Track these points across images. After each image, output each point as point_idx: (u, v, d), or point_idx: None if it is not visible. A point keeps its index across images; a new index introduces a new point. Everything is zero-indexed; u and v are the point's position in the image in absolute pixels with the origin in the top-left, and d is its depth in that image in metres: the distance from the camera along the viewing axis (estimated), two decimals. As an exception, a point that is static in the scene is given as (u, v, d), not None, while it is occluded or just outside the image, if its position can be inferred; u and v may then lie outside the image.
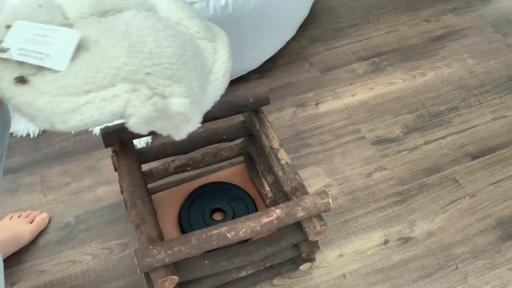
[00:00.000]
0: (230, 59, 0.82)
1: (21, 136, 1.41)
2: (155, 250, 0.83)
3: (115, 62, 0.68)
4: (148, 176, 1.16)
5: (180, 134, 0.72)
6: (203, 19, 0.86)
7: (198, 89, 0.74)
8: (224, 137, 1.15)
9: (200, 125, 0.74)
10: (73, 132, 1.41)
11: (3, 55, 0.65)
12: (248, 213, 1.14)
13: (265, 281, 1.12)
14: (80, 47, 0.69)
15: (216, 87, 0.79)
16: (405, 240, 1.20)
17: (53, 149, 1.39)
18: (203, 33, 0.82)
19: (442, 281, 1.13)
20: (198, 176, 1.25)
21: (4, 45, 0.66)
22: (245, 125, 1.15)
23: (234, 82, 1.55)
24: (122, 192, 1.09)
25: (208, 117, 1.07)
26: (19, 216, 1.20)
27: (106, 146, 1.03)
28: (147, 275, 0.92)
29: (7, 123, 0.89)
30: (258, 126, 1.10)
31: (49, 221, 1.23)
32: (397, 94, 1.55)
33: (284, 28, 1.56)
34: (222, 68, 0.80)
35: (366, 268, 1.16)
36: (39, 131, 1.42)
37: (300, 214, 0.91)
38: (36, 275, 1.14)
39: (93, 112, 0.64)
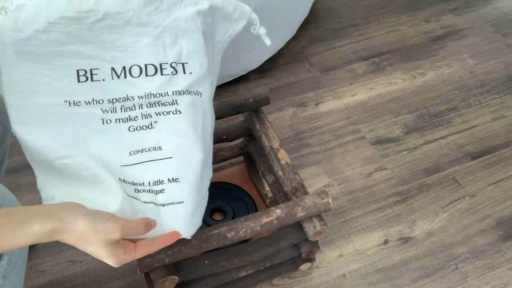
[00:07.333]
0: None
1: (21, 136, 1.41)
2: (155, 250, 0.83)
3: None
4: (148, 176, 1.15)
5: None
6: None
7: None
8: (224, 137, 1.15)
9: None
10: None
11: None
12: (248, 213, 1.14)
13: (265, 281, 1.12)
14: None
15: None
16: (405, 240, 1.20)
17: (53, 149, 1.39)
18: None
19: (442, 281, 1.13)
20: (198, 176, 1.24)
21: None
22: (245, 125, 1.15)
23: (234, 82, 1.55)
24: (122, 192, 1.09)
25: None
26: (19, 216, 1.19)
27: (106, 146, 1.03)
28: (147, 275, 0.92)
29: (6, 129, 0.89)
30: (258, 126, 1.10)
31: (49, 221, 1.23)
32: (397, 94, 1.55)
33: (284, 28, 1.56)
34: None
35: (366, 268, 1.16)
36: (39, 131, 1.42)
37: (300, 214, 0.91)
38: (36, 275, 1.13)
39: None
